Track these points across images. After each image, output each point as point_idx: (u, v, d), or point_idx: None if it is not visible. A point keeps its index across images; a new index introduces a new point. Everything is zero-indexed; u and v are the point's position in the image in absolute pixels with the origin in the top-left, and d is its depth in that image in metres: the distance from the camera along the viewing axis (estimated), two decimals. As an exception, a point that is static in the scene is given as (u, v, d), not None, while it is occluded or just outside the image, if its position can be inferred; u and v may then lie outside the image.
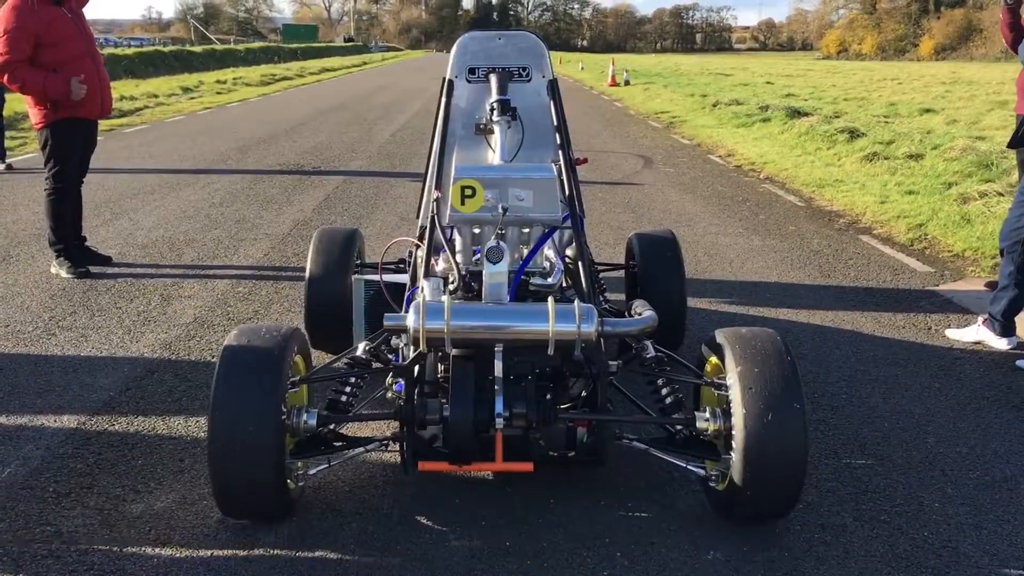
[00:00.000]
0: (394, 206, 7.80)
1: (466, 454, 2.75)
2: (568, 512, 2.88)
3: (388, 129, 14.49)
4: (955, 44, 72.75)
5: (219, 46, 53.55)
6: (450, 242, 3.20)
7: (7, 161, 9.72)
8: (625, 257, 4.66)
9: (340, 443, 2.89)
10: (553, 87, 3.96)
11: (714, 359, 2.91)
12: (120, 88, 20.95)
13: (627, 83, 27.17)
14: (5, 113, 10.09)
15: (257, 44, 63.63)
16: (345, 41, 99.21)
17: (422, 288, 2.97)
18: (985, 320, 4.54)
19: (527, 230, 3.14)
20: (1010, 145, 5.09)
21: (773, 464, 2.57)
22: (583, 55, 71.42)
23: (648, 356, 3.10)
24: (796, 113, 14.45)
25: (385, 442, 2.90)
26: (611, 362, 2.93)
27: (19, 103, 15.39)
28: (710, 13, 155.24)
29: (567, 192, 3.54)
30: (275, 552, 2.64)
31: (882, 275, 5.84)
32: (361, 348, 3.10)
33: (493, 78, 3.87)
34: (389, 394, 2.89)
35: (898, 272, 5.92)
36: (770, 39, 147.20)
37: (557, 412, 2.75)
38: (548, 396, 2.77)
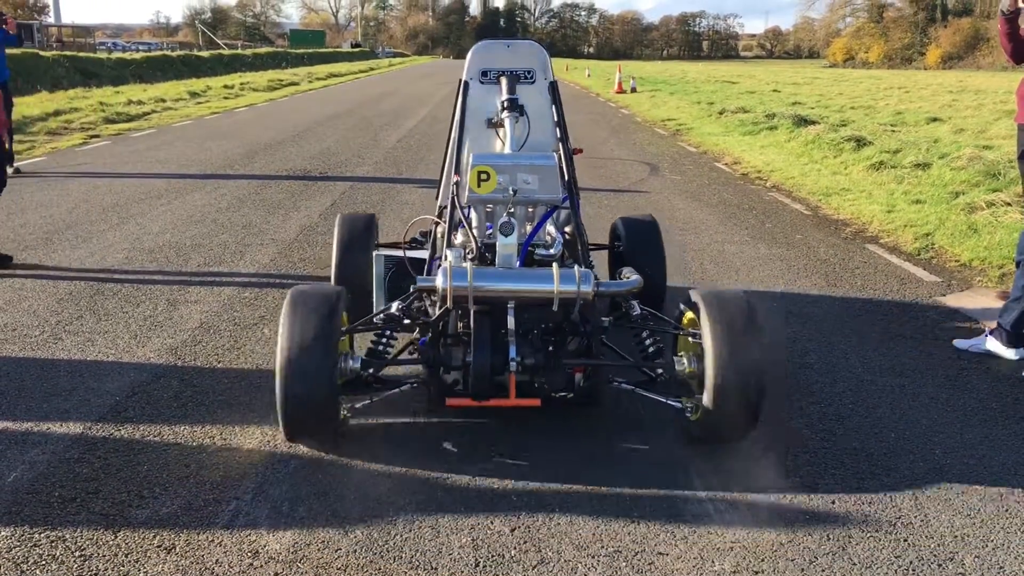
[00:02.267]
0: (400, 211, 7.80)
1: (485, 392, 3.26)
2: (572, 520, 2.88)
3: (395, 135, 14.51)
4: (962, 53, 72.67)
5: (227, 51, 53.68)
6: (467, 219, 3.74)
7: (16, 165, 9.75)
8: (609, 239, 5.09)
9: (378, 385, 3.43)
10: (553, 88, 4.51)
11: (690, 314, 3.46)
12: (128, 92, 21.06)
13: (633, 90, 27.19)
14: (14, 117, 10.13)
15: (264, 49, 63.87)
16: (352, 47, 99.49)
17: (446, 256, 3.53)
18: (993, 330, 4.53)
19: (532, 209, 3.73)
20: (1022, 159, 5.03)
21: (736, 397, 3.14)
22: (590, 62, 71.50)
23: (635, 313, 3.72)
24: (803, 121, 14.43)
25: (416, 383, 3.47)
26: (603, 318, 3.58)
27: (27, 107, 15.50)
28: (716, 21, 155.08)
29: (566, 177, 4.15)
30: (279, 559, 2.63)
31: (889, 284, 5.82)
32: (395, 307, 3.60)
33: (503, 80, 4.47)
34: (412, 348, 3.56)
35: (905, 281, 5.91)
36: (777, 47, 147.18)
37: (559, 359, 3.32)
38: (551, 346, 3.35)
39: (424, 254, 4.21)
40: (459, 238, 3.82)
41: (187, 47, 66.31)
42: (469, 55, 4.59)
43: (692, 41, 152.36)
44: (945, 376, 4.24)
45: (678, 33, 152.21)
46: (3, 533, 2.73)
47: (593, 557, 2.69)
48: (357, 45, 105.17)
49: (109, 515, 2.84)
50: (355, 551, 2.69)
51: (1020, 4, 4.44)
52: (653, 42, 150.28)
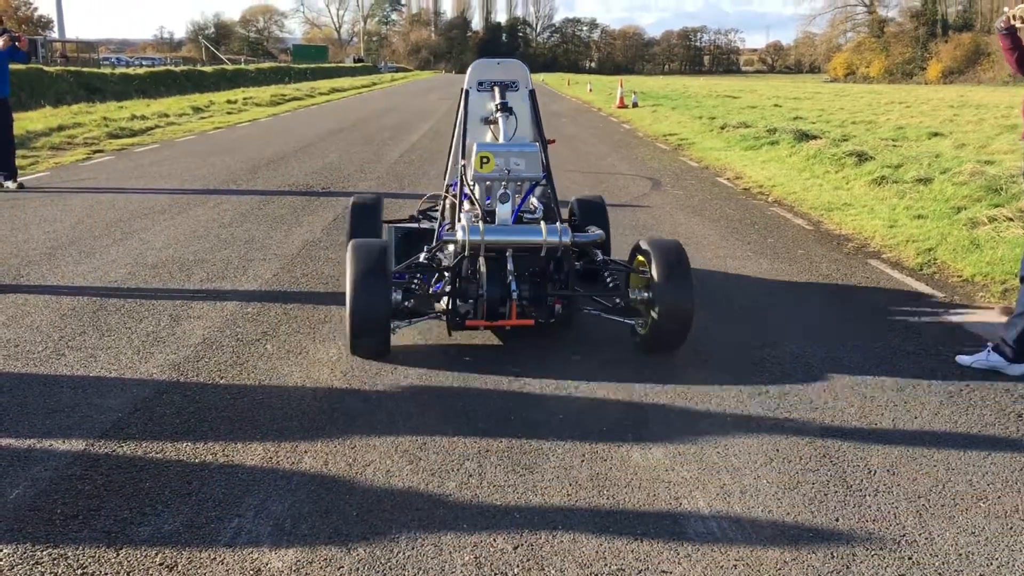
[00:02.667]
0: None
1: (495, 315, 4.46)
2: (575, 537, 2.87)
3: (397, 150, 14.54)
4: (963, 68, 72.87)
5: (230, 66, 53.89)
6: (472, 192, 4.82)
7: (19, 180, 9.78)
8: (568, 215, 6.07)
9: (413, 315, 4.57)
10: (532, 95, 5.58)
11: (640, 257, 4.65)
12: (131, 108, 21.15)
13: (635, 105, 27.26)
14: (16, 132, 10.16)
15: (267, 64, 64.19)
16: (355, 62, 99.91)
17: (459, 219, 4.69)
18: (995, 346, 4.52)
19: (520, 184, 4.86)
20: None
21: (673, 317, 4.37)
22: (591, 77, 71.71)
23: (598, 259, 5.08)
24: (804, 136, 14.46)
25: (439, 314, 4.57)
26: (576, 263, 4.92)
27: (31, 123, 15.56)
28: (718, 35, 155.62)
29: (545, 160, 5.07)
30: (282, 577, 2.63)
31: (891, 300, 5.82)
32: (422, 256, 4.80)
33: (496, 88, 5.48)
34: (431, 291, 4.69)
35: (907, 297, 5.91)
36: (778, 62, 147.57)
37: (545, 293, 4.53)
38: (539, 283, 4.56)
39: (430, 225, 5.66)
40: (466, 207, 4.88)
41: (191, 62, 66.65)
42: (469, 70, 5.62)
43: (693, 56, 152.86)
44: (948, 392, 4.23)
45: (679, 48, 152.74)
46: (5, 551, 2.72)
47: (596, 575, 2.68)
48: (360, 60, 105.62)
49: (111, 532, 2.83)
50: (357, 569, 2.68)
51: (1012, 21, 4.52)
52: (654, 57, 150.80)
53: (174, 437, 3.54)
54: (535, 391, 4.12)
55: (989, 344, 4.61)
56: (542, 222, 4.61)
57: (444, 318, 4.55)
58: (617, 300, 4.79)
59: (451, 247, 4.71)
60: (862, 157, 11.71)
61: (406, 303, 4.48)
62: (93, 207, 8.58)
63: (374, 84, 52.94)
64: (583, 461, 3.42)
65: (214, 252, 6.76)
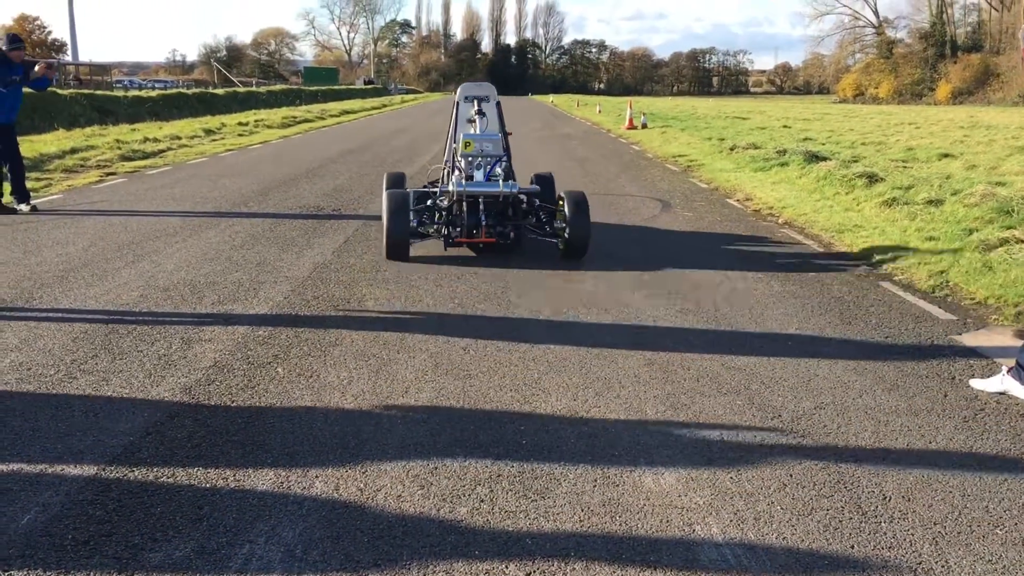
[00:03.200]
0: (412, 250, 7.82)
1: (471, 236, 7.12)
2: (588, 566, 2.85)
3: (408, 171, 14.53)
4: (972, 88, 72.88)
5: (241, 88, 54.31)
6: (459, 165, 7.55)
7: (32, 203, 9.84)
8: (530, 181, 8.79)
9: (424, 236, 7.44)
10: (498, 105, 8.42)
11: (562, 200, 7.37)
12: (144, 130, 21.30)
13: (644, 126, 27.34)
14: (30, 155, 10.20)
15: (279, 87, 64.66)
16: (365, 84, 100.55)
17: (452, 182, 7.36)
18: (1010, 370, 4.49)
19: (489, 159, 7.50)
20: None
21: (577, 237, 7.14)
22: (600, 98, 71.95)
23: (536, 204, 7.70)
24: (814, 157, 14.45)
25: (440, 236, 7.31)
26: (523, 206, 7.61)
27: (44, 145, 15.69)
28: (726, 57, 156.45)
29: (505, 145, 7.85)
30: (293, 604, 2.62)
31: (904, 323, 5.80)
32: (429, 202, 7.56)
33: (475, 100, 8.43)
34: (433, 228, 7.52)
35: (920, 320, 5.88)
36: (786, 83, 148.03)
37: (505, 224, 7.18)
38: (500, 218, 7.22)
39: (434, 189, 8.03)
40: (455, 174, 7.56)
41: (202, 84, 67.23)
42: (459, 89, 8.68)
43: (702, 77, 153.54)
44: (962, 417, 4.20)
45: (688, 69, 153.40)
46: (16, 576, 2.72)
47: (609, 603, 2.66)
48: (370, 82, 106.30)
49: (122, 558, 2.83)
50: (369, 596, 2.67)
51: None
52: (663, 78, 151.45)
53: (185, 462, 3.54)
54: (546, 413, 4.11)
55: (1004, 368, 4.58)
56: (500, 181, 7.37)
57: (442, 239, 7.40)
58: (547, 228, 7.75)
59: (445, 199, 7.49)
60: (872, 178, 11.69)
61: (419, 229, 7.51)
62: (105, 229, 8.63)
63: (384, 106, 53.24)
64: (595, 486, 3.40)
65: (225, 275, 6.78)
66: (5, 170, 9.68)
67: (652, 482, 3.45)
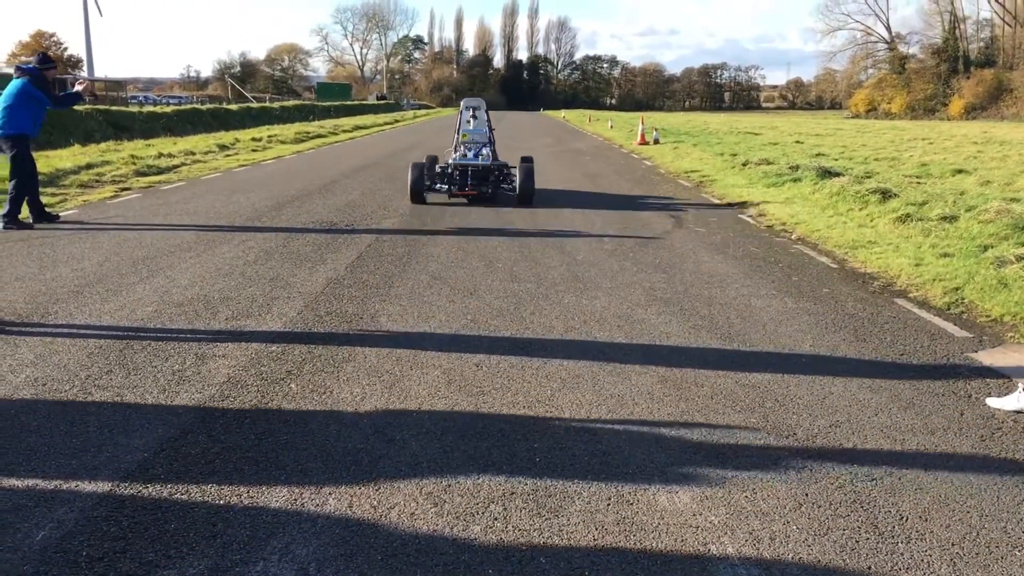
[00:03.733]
0: (426, 265, 7.85)
1: (463, 190, 12.24)
2: (603, 585, 2.83)
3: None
4: (985, 104, 72.72)
5: (255, 104, 54.65)
6: (459, 147, 12.86)
7: (56, 212, 10.03)
8: (520, 162, 13.26)
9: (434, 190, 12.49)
10: (487, 111, 13.04)
11: (515, 169, 12.63)
12: (158, 146, 21.44)
13: (656, 142, 27.35)
14: (45, 170, 10.31)
15: (292, 102, 65.03)
16: (378, 99, 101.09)
17: (453, 158, 12.69)
18: (1027, 388, 4.46)
19: (478, 144, 12.75)
20: None
21: (524, 191, 12.14)
22: (612, 113, 72.06)
23: (506, 172, 12.62)
24: (827, 173, 14.42)
25: (444, 192, 12.33)
26: (496, 173, 12.57)
27: (60, 160, 15.80)
28: (738, 72, 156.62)
29: (490, 138, 12.88)
30: (307, 623, 2.61)
31: (919, 340, 5.76)
32: (438, 168, 12.62)
33: (471, 108, 13.03)
34: (439, 185, 12.56)
35: (935, 337, 5.85)
36: (798, 98, 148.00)
37: (484, 184, 12.27)
38: (482, 180, 12.31)
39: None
40: (456, 153, 12.66)
41: (217, 100, 67.70)
42: (462, 102, 13.40)
43: (714, 92, 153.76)
44: (979, 436, 4.16)
45: (700, 84, 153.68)
46: (31, 593, 2.72)
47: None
48: (383, 97, 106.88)
49: (136, 575, 2.83)
50: (382, 615, 2.66)
51: None
52: (675, 93, 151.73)
53: (199, 478, 3.54)
54: (559, 430, 4.10)
55: (1021, 385, 4.54)
56: (481, 156, 12.41)
57: (446, 193, 12.23)
58: (511, 185, 12.46)
59: (449, 168, 12.30)
60: (886, 194, 11.65)
61: (432, 185, 12.27)
62: (120, 244, 8.67)
63: (397, 121, 53.47)
64: (609, 505, 3.39)
65: (239, 290, 6.80)
66: (10, 185, 9.79)
67: (667, 501, 3.43)
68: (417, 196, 12.16)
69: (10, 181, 9.83)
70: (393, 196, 13.24)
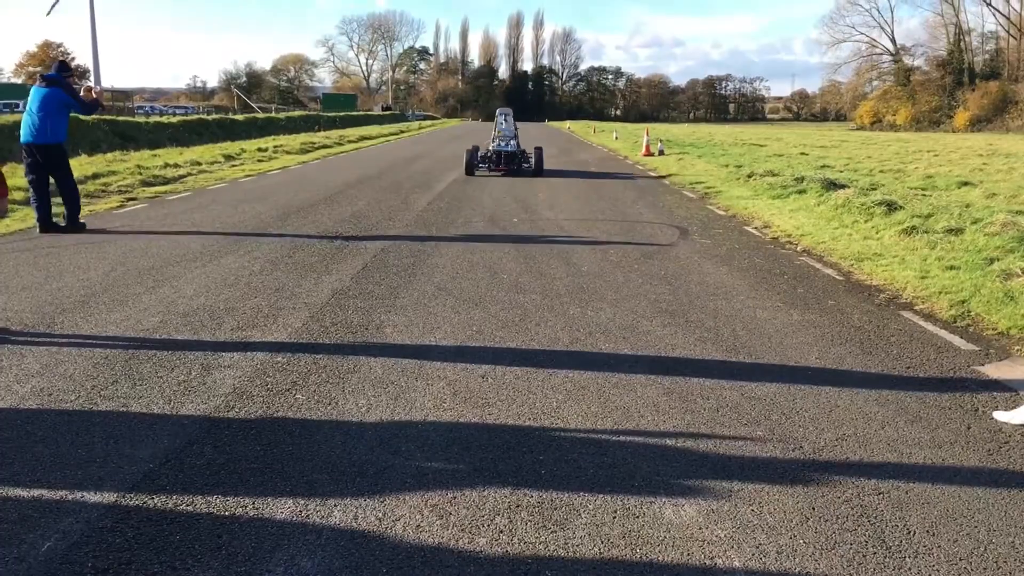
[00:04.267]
0: (431, 276, 7.85)
1: (498, 167, 19.67)
2: (609, 599, 2.82)
3: (425, 198, 14.66)
4: (990, 116, 72.72)
5: (261, 114, 54.83)
6: (496, 139, 20.26)
7: (60, 223, 10.20)
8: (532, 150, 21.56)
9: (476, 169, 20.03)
10: (513, 116, 20.75)
11: (530, 154, 20.50)
12: (164, 156, 21.51)
13: (661, 153, 27.38)
14: (53, 180, 10.42)
15: (298, 112, 65.25)
16: (383, 110, 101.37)
17: (491, 147, 20.22)
18: (1034, 402, 4.45)
19: (507, 138, 20.07)
20: None
21: (537, 167, 19.75)
22: (617, 124, 72.13)
23: (526, 155, 20.26)
24: (832, 185, 14.42)
25: (487, 168, 19.91)
26: (519, 157, 20.16)
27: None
28: (743, 84, 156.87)
29: (515, 133, 20.42)
30: (312, 636, 2.60)
31: (925, 353, 5.75)
32: (480, 153, 20.37)
33: (504, 114, 20.67)
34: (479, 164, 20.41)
35: (942, 350, 5.83)
36: (803, 109, 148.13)
37: (511, 164, 19.68)
38: (511, 160, 19.79)
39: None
40: (493, 144, 20.09)
41: (222, 110, 67.91)
42: (497, 111, 20.94)
43: (718, 103, 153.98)
44: (986, 450, 4.15)
45: (705, 96, 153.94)
46: (36, 604, 2.72)
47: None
48: (388, 108, 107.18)
49: (141, 587, 2.82)
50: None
51: None
52: (680, 104, 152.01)
53: (204, 489, 3.54)
54: (564, 443, 4.09)
55: (1028, 400, 4.53)
56: (510, 146, 19.80)
57: (487, 169, 19.79)
58: (527, 165, 19.86)
59: (490, 153, 19.92)
60: (891, 206, 11.65)
61: (477, 163, 19.77)
62: (126, 255, 8.69)
63: (402, 132, 53.57)
64: (615, 517, 3.38)
65: (244, 300, 6.81)
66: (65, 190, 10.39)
67: (672, 514, 3.42)
68: (469, 170, 19.44)
69: (62, 186, 10.33)
70: (398, 207, 13.26)
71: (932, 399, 4.83)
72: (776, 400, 4.75)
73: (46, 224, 10.16)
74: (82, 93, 10.78)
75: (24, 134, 10.11)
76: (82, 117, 26.60)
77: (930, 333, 6.27)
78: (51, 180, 10.30)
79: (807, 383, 5.06)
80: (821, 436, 4.25)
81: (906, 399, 4.82)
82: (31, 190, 10.26)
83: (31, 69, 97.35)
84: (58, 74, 10.35)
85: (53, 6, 50.97)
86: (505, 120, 20.44)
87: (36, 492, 3.48)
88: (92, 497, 3.44)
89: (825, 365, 5.45)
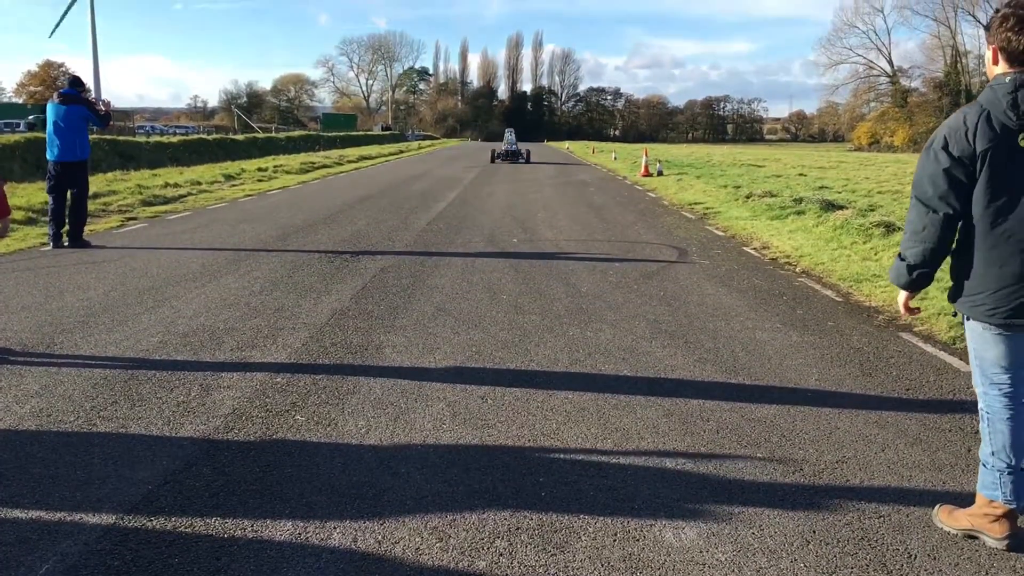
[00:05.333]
0: (431, 296, 7.85)
1: (504, 160, 40.17)
2: (610, 623, 2.81)
3: (425, 217, 14.69)
4: (988, 137, 72.92)
5: (261, 134, 55.01)
6: (504, 147, 42.10)
7: (64, 241, 10.35)
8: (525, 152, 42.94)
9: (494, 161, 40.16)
10: (514, 132, 45.58)
11: (525, 150, 43.13)
12: (165, 175, 21.58)
13: (660, 173, 27.45)
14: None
15: (298, 132, 65.45)
16: (383, 130, 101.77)
17: (503, 148, 41.79)
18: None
19: (512, 144, 42.06)
20: None
21: (528, 158, 40.97)
22: (616, 145, 72.38)
23: (522, 152, 42.46)
24: (830, 206, 14.47)
25: (501, 160, 40.20)
26: (518, 153, 41.85)
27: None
28: (741, 105, 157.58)
29: (516, 142, 42.90)
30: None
31: (925, 375, 5.75)
32: (493, 154, 41.10)
33: (511, 131, 44.97)
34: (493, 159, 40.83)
35: (941, 372, 5.83)
36: (801, 130, 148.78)
37: (515, 158, 40.86)
38: (514, 156, 40.87)
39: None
40: (503, 146, 42.36)
41: (223, 130, 68.12)
42: (506, 130, 46.51)
43: (717, 124, 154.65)
44: (987, 472, 4.13)
45: (703, 116, 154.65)
46: (34, 628, 2.71)
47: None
48: (387, 128, 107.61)
49: (140, 610, 2.81)
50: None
51: None
52: (678, 125, 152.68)
53: (203, 511, 3.53)
54: (564, 464, 4.08)
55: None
56: (512, 147, 41.14)
57: (500, 161, 39.73)
58: (523, 159, 40.25)
59: (502, 151, 40.98)
60: (890, 228, 11.67)
61: (495, 157, 40.10)
62: (126, 275, 8.70)
63: (401, 152, 53.75)
64: (615, 541, 3.37)
65: (244, 321, 6.81)
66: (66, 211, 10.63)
67: (673, 537, 3.41)
68: (492, 160, 38.34)
69: (78, 202, 10.62)
70: (398, 226, 13.28)
71: (932, 421, 4.83)
72: (776, 422, 4.75)
73: (58, 240, 10.34)
74: (99, 107, 11.02)
75: (53, 152, 10.48)
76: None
77: (929, 355, 6.27)
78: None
79: (807, 404, 5.06)
80: (821, 458, 4.25)
81: (906, 421, 4.81)
82: (51, 206, 10.60)
83: (32, 89, 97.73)
84: (75, 90, 10.55)
85: (57, 26, 52.23)
86: (510, 135, 42.59)
87: (35, 514, 3.47)
88: (91, 519, 3.43)
89: (825, 387, 5.44)
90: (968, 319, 3.42)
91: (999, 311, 3.23)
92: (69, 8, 68.45)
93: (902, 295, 3.61)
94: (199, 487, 3.76)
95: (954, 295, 3.45)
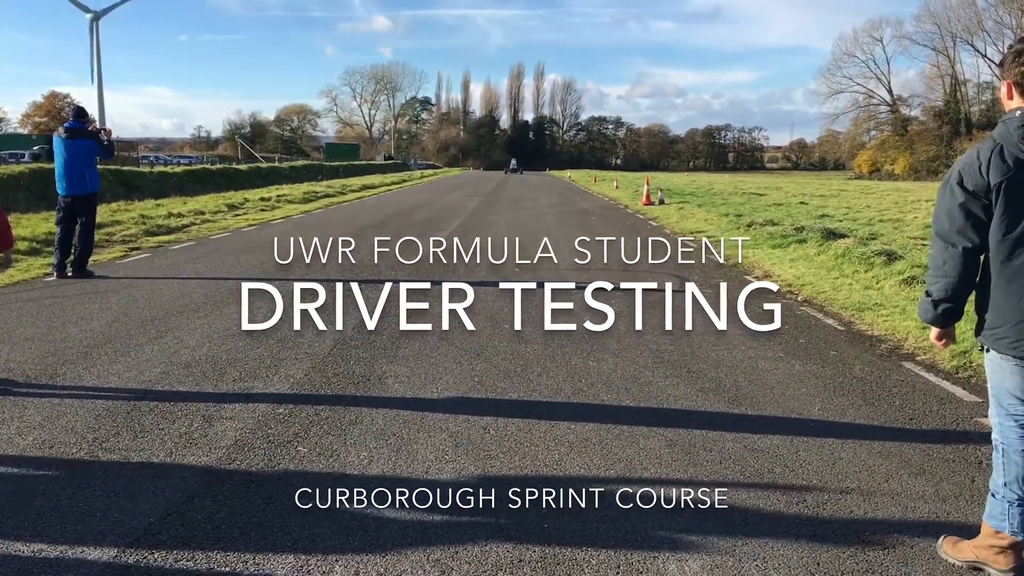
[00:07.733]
0: (432, 324, 7.85)
1: (512, 172, 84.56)
2: (613, 657, 2.79)
3: (425, 246, 14.72)
4: (988, 165, 73.14)
5: (264, 164, 55.34)
6: (511, 167, 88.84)
7: (69, 272, 10.39)
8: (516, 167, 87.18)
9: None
10: (518, 160, 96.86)
11: (520, 168, 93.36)
12: (168, 205, 21.67)
13: (661, 202, 27.53)
14: (55, 229, 10.68)
15: (301, 162, 65.80)
16: (385, 159, 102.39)
17: (509, 169, 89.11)
18: (1038, 455, 4.45)
19: (516, 165, 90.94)
20: None
21: (523, 171, 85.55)
22: (617, 173, 72.79)
23: (521, 169, 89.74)
24: (831, 234, 14.49)
25: (508, 174, 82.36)
26: (517, 169, 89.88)
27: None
28: (742, 133, 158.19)
29: (519, 165, 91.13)
30: None
31: (928, 404, 5.74)
32: (504, 171, 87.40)
33: (513, 159, 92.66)
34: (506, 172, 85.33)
35: (944, 401, 5.82)
36: (802, 159, 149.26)
37: (518, 171, 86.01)
38: (516, 172, 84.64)
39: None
40: (511, 165, 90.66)
41: (226, 160, 68.59)
42: (511, 159, 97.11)
43: (718, 153, 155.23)
44: (992, 503, 4.12)
45: (704, 145, 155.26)
46: (34, 663, 2.70)
47: None
48: (390, 157, 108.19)
49: (141, 645, 2.80)
50: None
51: None
52: (679, 154, 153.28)
53: (205, 544, 3.52)
54: (568, 497, 4.06)
55: (1032, 452, 4.52)
56: (515, 168, 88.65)
57: (504, 172, 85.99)
58: (521, 173, 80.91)
59: (508, 170, 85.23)
60: (891, 256, 11.69)
61: (506, 171, 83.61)
62: (129, 305, 8.72)
63: (404, 181, 53.99)
64: (618, 573, 3.35)
65: (246, 351, 6.82)
66: (74, 240, 10.71)
67: (676, 569, 3.40)
68: (505, 173, 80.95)
69: (86, 232, 10.73)
70: (400, 258, 13.30)
71: (936, 451, 4.81)
72: (779, 452, 4.73)
73: (63, 269, 10.40)
74: (101, 136, 11.15)
75: (64, 187, 10.69)
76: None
77: (932, 384, 6.26)
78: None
79: (810, 435, 5.05)
80: (825, 489, 4.23)
81: (909, 451, 4.80)
82: (59, 235, 10.69)
83: (37, 119, 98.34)
84: (79, 122, 10.68)
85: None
86: (514, 162, 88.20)
87: (36, 547, 3.46)
88: (92, 552, 3.42)
89: (828, 417, 5.44)
90: (988, 350, 3.43)
91: (1021, 343, 3.24)
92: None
93: (933, 331, 3.62)
94: (201, 519, 3.75)
95: (978, 329, 3.47)
